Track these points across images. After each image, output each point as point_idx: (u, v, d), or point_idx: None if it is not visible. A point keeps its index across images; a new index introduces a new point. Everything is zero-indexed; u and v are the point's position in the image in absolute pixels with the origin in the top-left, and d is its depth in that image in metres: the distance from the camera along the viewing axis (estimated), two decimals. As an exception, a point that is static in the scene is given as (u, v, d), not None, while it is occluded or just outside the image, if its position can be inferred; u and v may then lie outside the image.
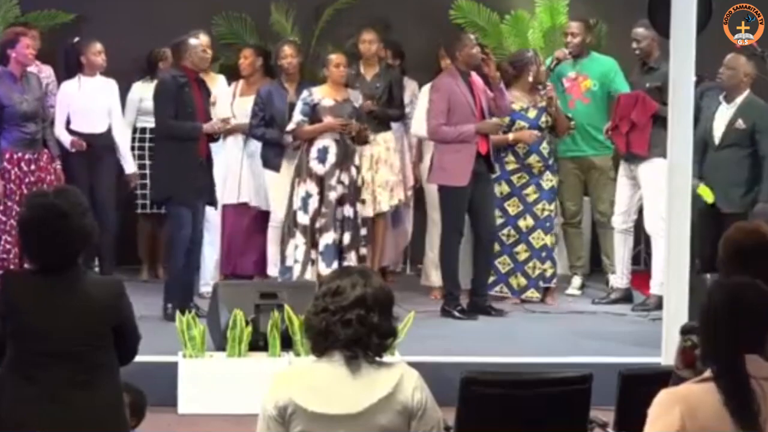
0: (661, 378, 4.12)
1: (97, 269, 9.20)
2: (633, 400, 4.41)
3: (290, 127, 8.76)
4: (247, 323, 7.08)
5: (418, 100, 9.39)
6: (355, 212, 8.69)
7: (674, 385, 3.60)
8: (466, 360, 7.16)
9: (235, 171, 9.43)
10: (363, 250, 8.81)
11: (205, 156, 8.42)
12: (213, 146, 8.61)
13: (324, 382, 3.72)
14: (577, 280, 9.61)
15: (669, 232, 6.49)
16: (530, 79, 9.08)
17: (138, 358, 4.41)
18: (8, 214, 8.36)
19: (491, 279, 9.00)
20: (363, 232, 8.85)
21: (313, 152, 8.63)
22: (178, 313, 7.23)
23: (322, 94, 8.74)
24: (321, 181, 8.60)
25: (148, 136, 9.44)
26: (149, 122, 9.32)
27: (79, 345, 4.14)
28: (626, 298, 9.21)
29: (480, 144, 8.60)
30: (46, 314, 4.14)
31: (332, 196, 8.56)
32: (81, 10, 10.14)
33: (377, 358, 3.76)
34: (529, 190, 9.09)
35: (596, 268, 9.91)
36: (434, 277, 9.22)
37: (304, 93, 8.79)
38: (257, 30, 10.36)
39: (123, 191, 9.52)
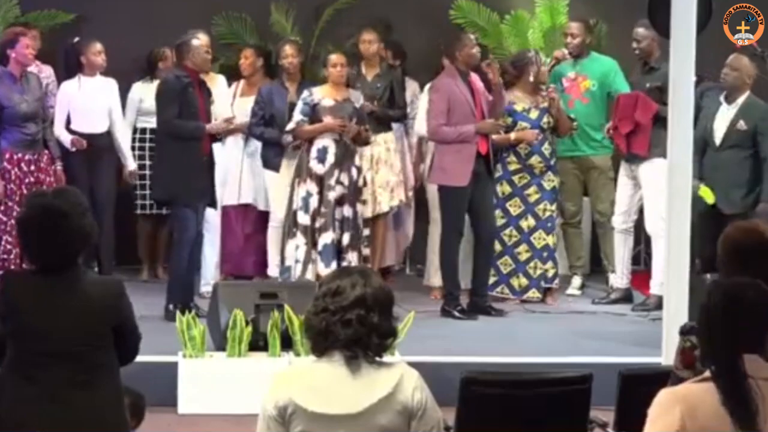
0: (661, 378, 4.12)
1: (96, 269, 9.21)
2: (633, 400, 4.41)
3: (290, 126, 8.77)
4: (247, 323, 7.07)
5: (419, 100, 9.40)
6: (355, 212, 8.69)
7: (673, 386, 3.60)
8: (466, 360, 7.16)
9: (235, 172, 9.43)
10: (366, 251, 8.81)
11: (207, 155, 8.43)
12: (213, 147, 8.61)
13: (324, 382, 3.73)
14: (577, 280, 9.61)
15: (669, 232, 6.50)
16: (531, 79, 9.08)
17: (138, 358, 4.41)
18: (8, 215, 8.36)
19: (493, 279, 9.01)
20: (366, 232, 8.86)
21: (313, 152, 8.63)
22: (178, 313, 7.23)
23: (323, 94, 8.74)
24: (321, 181, 8.60)
25: (148, 136, 9.45)
26: (149, 122, 9.34)
27: (79, 345, 4.14)
28: (626, 298, 9.21)
29: (480, 144, 8.60)
30: (46, 314, 4.14)
31: (331, 195, 8.56)
32: (81, 10, 10.14)
33: (377, 358, 3.76)
34: (531, 190, 9.09)
35: (596, 268, 9.92)
36: (436, 277, 9.21)
37: (305, 93, 8.79)
38: (257, 30, 10.36)
39: (123, 191, 9.53)
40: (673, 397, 3.42)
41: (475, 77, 8.77)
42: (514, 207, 9.10)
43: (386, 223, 9.59)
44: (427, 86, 9.06)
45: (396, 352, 6.37)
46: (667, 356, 5.79)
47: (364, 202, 8.96)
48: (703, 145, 8.24)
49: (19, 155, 8.49)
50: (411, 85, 9.77)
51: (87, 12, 10.11)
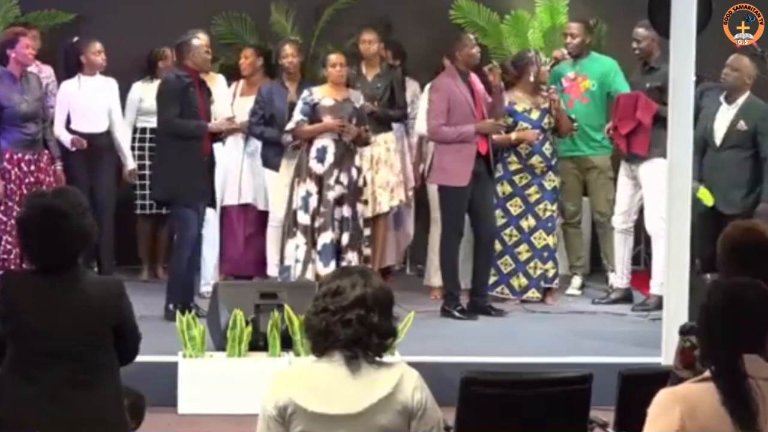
0: (660, 378, 4.12)
1: (96, 269, 9.21)
2: (633, 400, 4.40)
3: (290, 126, 8.77)
4: (247, 323, 7.07)
5: (420, 100, 9.41)
6: (355, 212, 8.69)
7: (673, 386, 3.60)
8: (466, 360, 7.16)
9: (235, 172, 9.43)
10: (367, 251, 8.81)
11: (208, 155, 8.43)
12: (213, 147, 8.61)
13: (324, 382, 3.73)
14: (577, 280, 9.61)
15: (669, 232, 6.50)
16: (531, 79, 9.08)
17: (138, 358, 4.41)
18: (8, 215, 8.36)
19: (493, 279, 9.01)
20: (367, 232, 8.85)
21: (312, 152, 8.64)
22: (178, 313, 7.23)
23: (322, 94, 8.74)
24: (320, 181, 8.60)
25: (148, 136, 9.45)
26: (149, 122, 9.34)
27: (79, 345, 4.14)
28: (626, 298, 9.21)
29: (480, 144, 8.60)
30: (46, 314, 4.14)
31: (330, 195, 8.56)
32: (81, 10, 10.14)
33: (377, 358, 3.76)
34: (531, 190, 9.09)
35: (596, 268, 9.92)
36: (436, 277, 9.20)
37: (305, 92, 8.79)
38: (257, 30, 10.36)
39: (123, 191, 9.53)
40: (673, 397, 3.42)
41: (474, 77, 8.78)
42: (515, 207, 9.10)
43: (386, 223, 9.59)
44: (428, 86, 9.06)
45: (396, 352, 6.37)
46: (667, 356, 5.79)
47: (365, 202, 8.95)
48: (702, 145, 8.24)
49: (19, 155, 8.49)
50: (411, 85, 9.77)
51: (87, 12, 10.11)
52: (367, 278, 3.79)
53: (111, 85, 9.29)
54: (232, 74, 9.72)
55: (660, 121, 8.26)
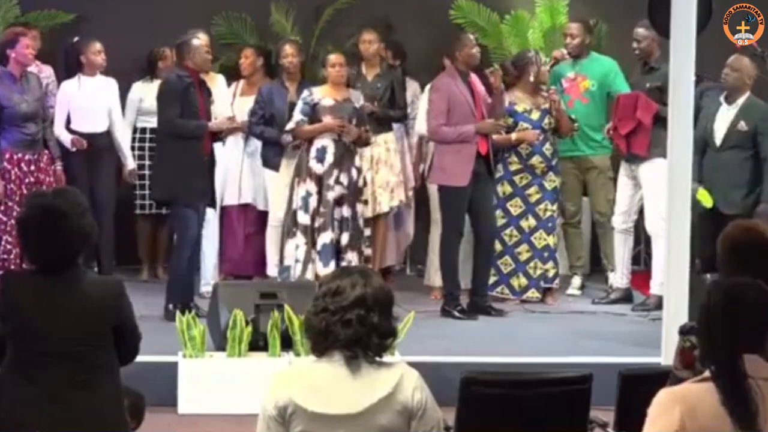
0: (660, 378, 4.12)
1: (96, 269, 9.21)
2: (633, 400, 4.40)
3: (290, 126, 8.77)
4: (247, 323, 7.07)
5: (420, 100, 9.41)
6: (354, 212, 8.68)
7: (672, 386, 3.60)
8: (466, 360, 7.15)
9: (235, 172, 9.43)
10: (367, 251, 8.80)
11: (208, 155, 8.43)
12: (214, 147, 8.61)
13: (324, 382, 3.73)
14: (577, 280, 9.61)
15: (669, 232, 6.50)
16: (531, 79, 9.08)
17: (138, 358, 4.41)
18: (8, 215, 8.36)
19: (493, 279, 9.01)
20: (367, 232, 8.85)
21: (312, 152, 8.64)
22: (178, 313, 7.23)
23: (322, 94, 8.74)
24: (320, 181, 8.60)
25: (148, 135, 9.46)
26: (149, 122, 9.34)
27: (79, 345, 4.14)
28: (626, 298, 9.21)
29: (480, 144, 8.60)
30: (46, 314, 4.14)
31: (330, 195, 8.56)
32: (81, 10, 10.14)
33: (377, 358, 3.76)
34: (532, 190, 9.09)
35: (596, 268, 9.92)
36: (436, 277, 9.20)
37: (305, 92, 8.79)
38: (257, 30, 10.36)
39: (123, 191, 9.53)
40: (673, 397, 3.42)
41: (474, 78, 8.78)
42: (515, 207, 9.10)
43: (387, 223, 9.59)
44: (428, 86, 9.07)
45: (396, 352, 6.37)
46: (666, 356, 5.78)
47: (365, 203, 8.95)
48: (702, 145, 8.24)
49: (19, 155, 8.49)
50: (411, 85, 9.77)
51: (87, 12, 10.11)
52: (367, 278, 3.79)
53: (111, 85, 9.29)
54: (232, 74, 9.72)
55: (660, 121, 8.26)
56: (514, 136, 9.00)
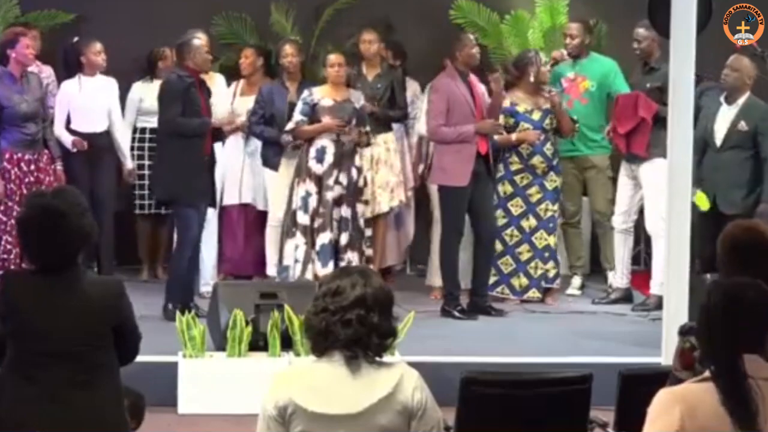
0: (660, 378, 4.12)
1: (96, 269, 9.20)
2: (633, 400, 4.41)
3: (289, 126, 8.77)
4: (247, 323, 7.07)
5: (420, 100, 9.41)
6: (354, 213, 8.68)
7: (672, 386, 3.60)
8: (466, 360, 7.16)
9: (236, 172, 9.43)
10: (368, 251, 8.80)
11: (209, 155, 8.43)
12: (214, 147, 8.61)
13: (324, 382, 3.73)
14: (577, 280, 9.61)
15: (669, 232, 6.50)
16: (531, 79, 9.07)
17: (138, 358, 4.40)
18: (8, 215, 8.36)
19: (493, 279, 9.01)
20: (368, 233, 8.85)
21: (312, 152, 8.63)
22: (178, 313, 7.23)
23: (322, 94, 8.74)
24: (320, 181, 8.60)
25: (148, 136, 9.46)
26: (149, 122, 9.34)
27: (79, 345, 4.14)
28: (626, 298, 9.21)
29: (480, 144, 8.60)
30: (46, 314, 4.14)
31: (329, 196, 8.56)
32: (81, 10, 10.14)
33: (377, 358, 3.76)
34: (533, 190, 9.09)
35: (596, 268, 9.91)
36: (438, 277, 9.19)
37: (305, 92, 8.79)
38: (257, 30, 10.36)
39: (123, 191, 9.53)
40: (673, 397, 3.42)
41: (474, 78, 8.78)
42: (516, 207, 9.10)
43: (387, 223, 9.58)
44: (428, 86, 9.06)
45: (396, 352, 6.36)
46: (666, 356, 5.78)
47: (366, 203, 8.94)
48: (702, 145, 8.24)
49: (19, 155, 8.49)
50: (411, 86, 9.77)
51: (87, 12, 10.11)
52: (367, 278, 3.79)
53: (111, 84, 9.29)
54: (232, 74, 9.73)
55: (660, 121, 8.26)
56: (514, 136, 9.00)
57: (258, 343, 7.14)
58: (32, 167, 8.52)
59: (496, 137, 8.80)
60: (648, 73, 8.97)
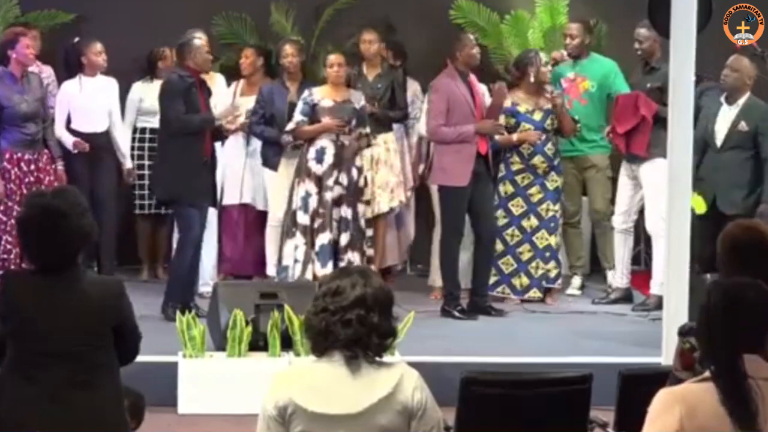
0: (660, 378, 4.12)
1: (96, 269, 9.20)
2: (633, 400, 4.41)
3: (290, 126, 8.76)
4: (247, 323, 7.07)
5: (420, 101, 9.40)
6: (355, 213, 8.68)
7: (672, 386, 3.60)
8: (466, 360, 7.15)
9: (236, 172, 9.43)
10: (369, 251, 8.79)
11: (209, 155, 8.43)
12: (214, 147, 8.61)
13: (324, 382, 3.73)
14: (577, 280, 9.61)
15: (669, 232, 6.50)
16: (531, 79, 9.07)
17: (138, 358, 4.41)
18: (8, 215, 8.36)
19: (494, 279, 9.01)
20: (369, 233, 8.85)
21: (312, 152, 8.63)
22: (178, 313, 7.23)
23: (322, 95, 8.74)
24: (320, 181, 8.60)
25: (148, 135, 9.46)
26: (149, 122, 9.35)
27: (79, 345, 4.14)
28: (626, 298, 9.21)
29: (480, 144, 8.61)
30: (46, 314, 4.14)
31: (329, 196, 8.56)
32: (81, 10, 10.14)
33: (377, 358, 3.76)
34: (534, 190, 9.09)
35: (596, 268, 9.91)
36: (439, 277, 9.19)
37: (305, 93, 8.79)
38: (257, 30, 10.36)
39: (123, 191, 9.53)
40: (673, 397, 3.42)
41: (474, 78, 8.78)
42: (517, 207, 9.11)
43: (387, 223, 9.58)
44: (429, 86, 9.06)
45: (396, 352, 6.37)
46: (667, 356, 5.79)
47: (366, 203, 8.94)
48: (703, 145, 8.24)
49: (19, 155, 8.50)
50: (412, 86, 9.76)
51: (87, 12, 10.11)
52: (367, 278, 3.79)
53: (112, 85, 9.28)
54: (232, 74, 9.73)
55: (660, 121, 8.26)
56: (515, 136, 9.00)
57: (258, 343, 7.14)
58: (32, 167, 8.52)
59: (497, 137, 8.81)
60: (648, 73, 8.97)
